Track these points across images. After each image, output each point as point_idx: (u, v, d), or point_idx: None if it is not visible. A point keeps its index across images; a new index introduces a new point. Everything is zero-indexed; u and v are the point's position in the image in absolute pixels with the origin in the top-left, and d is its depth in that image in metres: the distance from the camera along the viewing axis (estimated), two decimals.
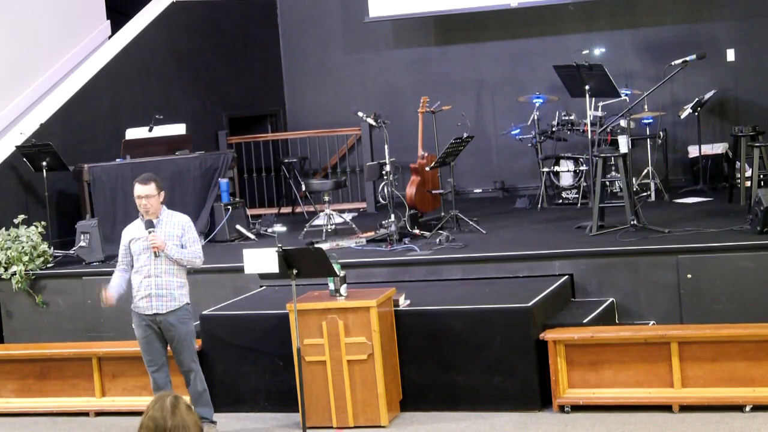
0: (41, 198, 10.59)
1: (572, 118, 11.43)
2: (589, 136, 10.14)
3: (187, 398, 6.69)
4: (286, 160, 13.02)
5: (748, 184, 10.08)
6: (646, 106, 11.35)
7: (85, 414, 8.54)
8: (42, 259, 9.90)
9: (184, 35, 12.84)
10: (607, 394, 7.47)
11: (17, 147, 10.61)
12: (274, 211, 12.90)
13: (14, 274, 9.71)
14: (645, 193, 11.18)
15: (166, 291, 7.37)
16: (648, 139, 11.41)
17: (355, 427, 7.56)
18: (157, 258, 7.35)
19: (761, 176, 10.04)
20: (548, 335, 7.53)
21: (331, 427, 7.60)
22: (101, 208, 10.51)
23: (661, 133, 11.56)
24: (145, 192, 7.42)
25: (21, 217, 10.06)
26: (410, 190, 10.68)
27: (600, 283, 8.54)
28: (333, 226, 10.63)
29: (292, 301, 7.31)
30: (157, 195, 7.45)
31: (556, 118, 11.54)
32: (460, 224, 10.20)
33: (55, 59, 11.89)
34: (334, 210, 10.95)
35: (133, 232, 7.54)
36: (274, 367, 8.05)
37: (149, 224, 7.39)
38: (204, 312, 8.37)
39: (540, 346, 7.54)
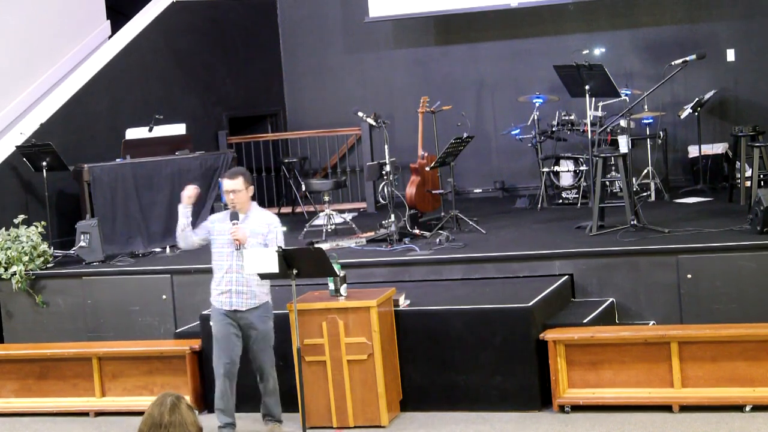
0: (41, 198, 10.58)
1: (572, 118, 11.43)
2: (589, 136, 10.13)
3: (188, 398, 6.68)
4: (286, 160, 13.01)
5: (748, 184, 10.08)
6: (646, 106, 11.35)
7: (85, 414, 8.54)
8: (42, 259, 9.90)
9: (184, 35, 12.83)
10: (607, 394, 7.47)
11: (17, 147, 10.60)
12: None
13: (14, 274, 9.70)
14: (645, 193, 11.17)
15: (247, 288, 7.33)
16: (648, 139, 11.40)
17: (355, 427, 7.57)
18: (238, 252, 7.24)
19: (761, 176, 10.05)
20: (548, 335, 7.53)
21: (331, 427, 7.61)
22: (101, 208, 10.50)
23: (661, 133, 11.56)
24: (231, 186, 7.31)
25: (21, 217, 10.05)
26: (410, 190, 10.68)
27: (600, 283, 8.54)
28: (333, 226, 10.63)
29: (292, 301, 7.30)
30: (245, 190, 7.33)
31: (556, 118, 11.54)
32: (460, 224, 10.20)
33: (55, 59, 11.88)
34: (334, 210, 10.94)
35: (219, 221, 7.44)
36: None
37: (234, 216, 7.30)
38: (204, 312, 8.36)
39: (540, 346, 7.55)
